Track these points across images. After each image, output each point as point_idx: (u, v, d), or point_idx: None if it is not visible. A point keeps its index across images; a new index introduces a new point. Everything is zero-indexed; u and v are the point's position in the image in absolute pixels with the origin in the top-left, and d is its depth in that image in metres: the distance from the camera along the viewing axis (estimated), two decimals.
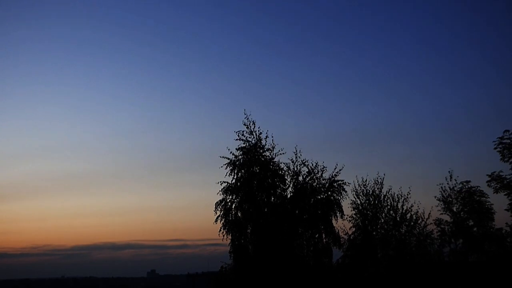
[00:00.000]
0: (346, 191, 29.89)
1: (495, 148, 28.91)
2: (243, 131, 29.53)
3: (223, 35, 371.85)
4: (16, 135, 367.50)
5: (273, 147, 29.52)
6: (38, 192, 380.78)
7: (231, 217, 28.45)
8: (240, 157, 29.17)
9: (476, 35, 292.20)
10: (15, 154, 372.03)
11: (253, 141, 29.48)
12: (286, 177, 29.61)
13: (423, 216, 30.63)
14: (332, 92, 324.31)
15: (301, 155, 29.96)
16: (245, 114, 29.58)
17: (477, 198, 31.98)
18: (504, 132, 28.45)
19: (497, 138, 28.79)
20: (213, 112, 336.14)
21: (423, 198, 33.19)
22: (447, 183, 32.65)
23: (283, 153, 29.53)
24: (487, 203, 31.84)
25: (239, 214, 28.54)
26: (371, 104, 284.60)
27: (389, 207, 30.94)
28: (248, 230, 28.50)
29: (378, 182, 31.42)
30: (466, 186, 32.44)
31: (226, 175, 28.89)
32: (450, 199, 32.34)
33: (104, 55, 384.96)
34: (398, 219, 30.62)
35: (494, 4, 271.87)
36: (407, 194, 30.89)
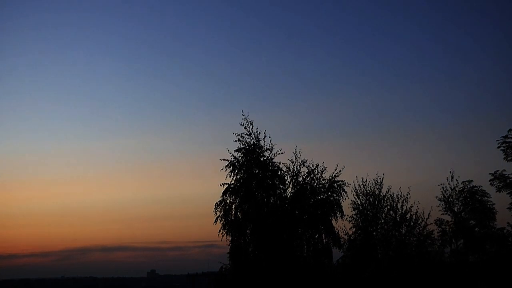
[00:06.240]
0: (346, 192, 29.80)
1: (499, 147, 28.72)
2: (242, 133, 29.54)
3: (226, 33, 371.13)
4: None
5: (272, 147, 29.46)
6: (35, 193, 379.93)
7: (231, 217, 28.39)
8: (239, 158, 29.17)
9: (481, 33, 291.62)
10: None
11: (252, 142, 29.45)
12: (285, 178, 29.53)
13: (423, 216, 30.42)
14: (334, 89, 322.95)
15: (300, 155, 29.86)
16: (243, 115, 29.64)
17: (479, 198, 31.66)
18: (508, 131, 28.25)
19: (501, 137, 28.63)
20: (212, 112, 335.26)
21: (425, 198, 32.75)
22: (448, 183, 32.33)
23: (282, 153, 29.43)
24: (488, 203, 31.53)
25: (238, 215, 28.45)
26: (373, 101, 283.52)
27: (388, 207, 30.77)
28: (248, 231, 28.38)
29: (377, 182, 31.31)
30: (468, 186, 32.11)
31: (226, 176, 28.92)
32: (451, 199, 32.02)
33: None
34: (398, 219, 30.42)
35: (500, 3, 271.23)
36: (407, 195, 30.71)
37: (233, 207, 28.55)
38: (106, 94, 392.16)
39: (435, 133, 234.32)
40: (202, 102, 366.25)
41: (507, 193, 29.21)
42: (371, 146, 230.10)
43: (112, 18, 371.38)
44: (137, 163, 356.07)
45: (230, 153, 29.19)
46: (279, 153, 29.30)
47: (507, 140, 28.27)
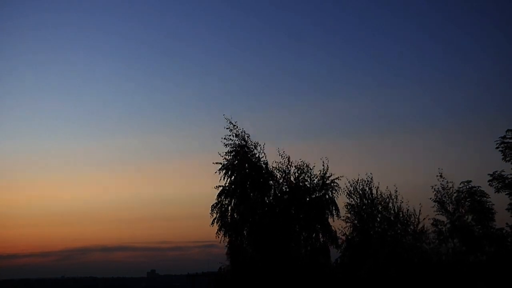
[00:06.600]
0: (340, 187, 30.16)
1: (497, 148, 28.70)
2: (229, 135, 29.80)
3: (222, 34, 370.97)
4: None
5: (257, 144, 29.83)
6: (35, 193, 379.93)
7: (227, 219, 28.50)
8: (231, 160, 29.40)
9: (481, 33, 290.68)
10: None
11: (239, 143, 29.70)
12: (278, 177, 29.78)
13: (415, 214, 30.63)
14: (334, 89, 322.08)
15: (284, 153, 30.17)
16: (226, 118, 29.83)
17: (478, 198, 31.67)
18: (506, 131, 28.19)
19: (499, 137, 28.57)
20: (212, 112, 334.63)
21: (425, 198, 32.66)
22: (440, 183, 32.37)
23: (264, 144, 29.82)
24: (487, 203, 31.54)
25: (235, 216, 28.54)
26: (373, 101, 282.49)
27: (380, 208, 30.97)
28: (245, 232, 28.48)
29: (367, 182, 31.56)
30: (467, 186, 32.10)
31: (220, 179, 29.14)
32: (444, 199, 32.04)
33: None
34: (392, 218, 30.57)
35: (500, 3, 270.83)
36: (395, 193, 31.04)
37: (229, 209, 28.68)
38: (106, 94, 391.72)
39: (435, 133, 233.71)
40: (202, 102, 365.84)
41: (505, 194, 29.17)
42: (371, 146, 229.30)
43: (112, 18, 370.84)
44: (137, 163, 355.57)
45: (222, 156, 29.49)
46: (265, 146, 29.80)
47: (506, 140, 28.24)
